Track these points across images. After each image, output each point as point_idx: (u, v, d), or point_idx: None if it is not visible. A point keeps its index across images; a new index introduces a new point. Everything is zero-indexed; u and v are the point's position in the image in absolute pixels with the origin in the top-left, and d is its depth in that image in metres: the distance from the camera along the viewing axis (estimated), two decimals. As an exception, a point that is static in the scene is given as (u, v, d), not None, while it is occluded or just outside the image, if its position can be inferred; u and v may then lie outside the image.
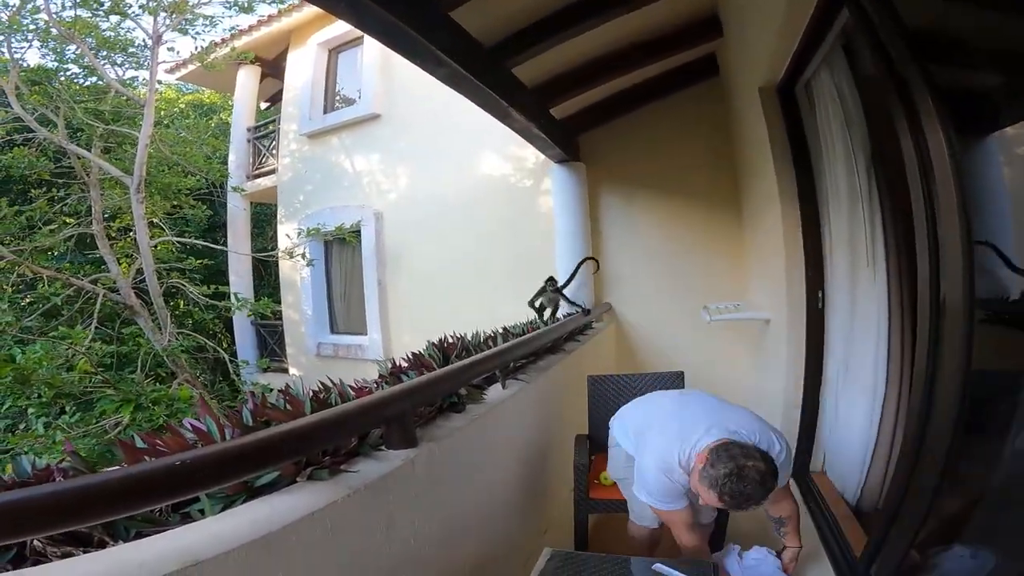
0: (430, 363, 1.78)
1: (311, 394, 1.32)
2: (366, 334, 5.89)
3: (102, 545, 0.95)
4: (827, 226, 2.17)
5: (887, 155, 1.81)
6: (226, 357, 5.96)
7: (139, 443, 1.16)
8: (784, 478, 1.54)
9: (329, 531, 0.97)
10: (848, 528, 1.78)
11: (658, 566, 1.34)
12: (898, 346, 1.80)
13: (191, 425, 1.23)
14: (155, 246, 6.38)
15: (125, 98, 6.75)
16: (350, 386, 1.46)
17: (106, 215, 7.16)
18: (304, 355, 6.46)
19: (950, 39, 1.18)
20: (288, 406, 1.25)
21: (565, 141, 4.01)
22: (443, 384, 1.49)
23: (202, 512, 1.05)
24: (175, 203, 7.32)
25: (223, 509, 1.04)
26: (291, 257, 5.63)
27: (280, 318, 6.88)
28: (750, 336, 3.48)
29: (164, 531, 0.94)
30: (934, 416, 1.12)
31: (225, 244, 7.39)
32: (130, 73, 7.43)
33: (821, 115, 2.12)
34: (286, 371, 6.63)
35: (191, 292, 6.11)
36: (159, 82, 6.82)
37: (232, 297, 6.31)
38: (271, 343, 7.40)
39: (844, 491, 2.03)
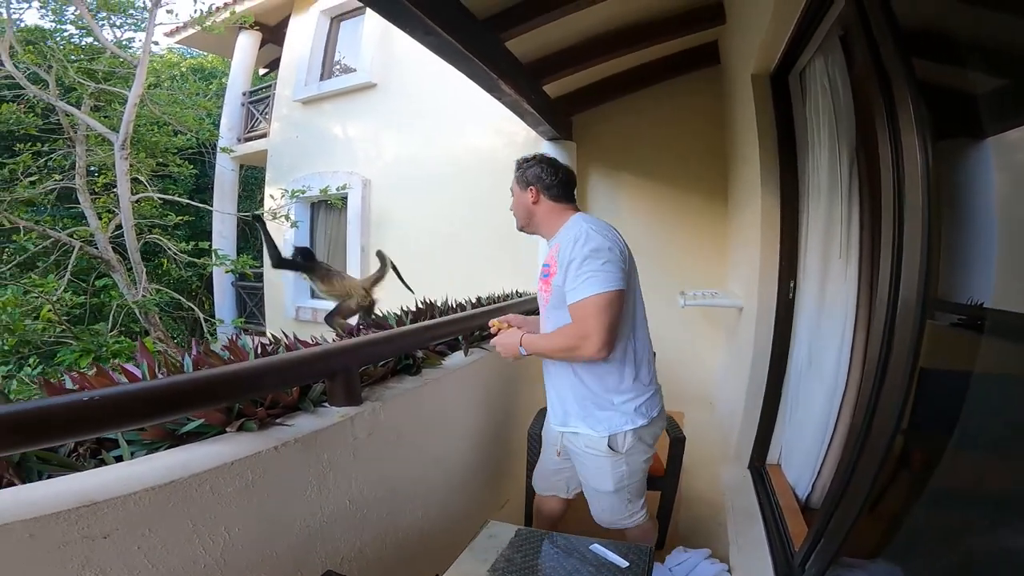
0: (388, 326, 1.73)
1: (258, 346, 1.28)
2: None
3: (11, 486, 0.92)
4: (805, 217, 2.12)
5: (869, 150, 1.77)
6: (201, 316, 5.86)
7: (69, 384, 1.12)
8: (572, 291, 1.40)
9: (249, 483, 0.93)
10: (792, 521, 1.76)
11: (595, 547, 1.33)
12: (862, 342, 1.77)
13: (125, 368, 1.19)
14: (137, 202, 6.37)
15: (120, 59, 6.74)
16: (303, 341, 1.41)
17: (92, 171, 7.18)
18: (283, 318, 6.43)
19: (943, 38, 1.12)
20: (231, 356, 1.20)
21: (557, 119, 3.93)
22: (393, 343, 1.44)
23: (121, 459, 1.02)
24: (160, 161, 7.35)
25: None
26: (274, 218, 5.53)
27: (261, 280, 6.87)
28: (727, 324, 3.48)
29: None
30: (879, 412, 1.11)
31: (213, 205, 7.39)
32: (129, 35, 7.60)
33: (811, 106, 2.06)
34: (263, 334, 6.57)
35: (169, 248, 6.00)
36: (155, 43, 6.82)
37: (212, 255, 6.23)
38: (250, 305, 7.42)
39: (796, 485, 2.02)
